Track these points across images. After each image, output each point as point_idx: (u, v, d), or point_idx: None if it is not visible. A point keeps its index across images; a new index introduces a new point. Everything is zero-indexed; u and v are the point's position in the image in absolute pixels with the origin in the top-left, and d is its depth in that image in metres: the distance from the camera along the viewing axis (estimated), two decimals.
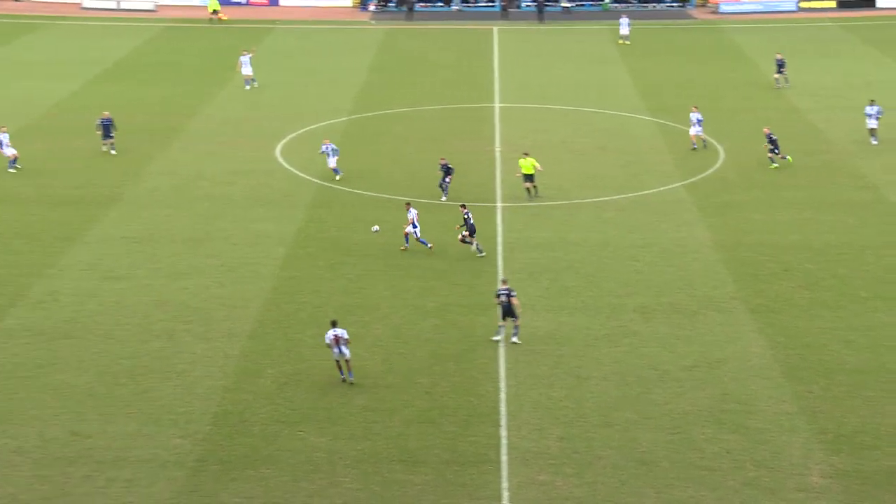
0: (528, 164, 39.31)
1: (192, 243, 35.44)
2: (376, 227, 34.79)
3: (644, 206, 39.16)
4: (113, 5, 79.55)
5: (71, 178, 41.35)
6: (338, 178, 41.34)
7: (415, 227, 34.46)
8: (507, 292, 28.54)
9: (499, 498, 22.50)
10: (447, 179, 39.49)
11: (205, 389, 26.33)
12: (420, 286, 32.54)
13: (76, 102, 52.87)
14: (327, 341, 26.34)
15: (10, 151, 41.57)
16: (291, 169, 43.35)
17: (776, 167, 42.88)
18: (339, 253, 34.83)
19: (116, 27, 73.57)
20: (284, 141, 47.04)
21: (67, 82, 56.64)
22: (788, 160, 43.13)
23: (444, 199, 39.40)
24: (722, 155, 44.70)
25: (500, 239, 36.11)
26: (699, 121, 45.21)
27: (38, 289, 31.56)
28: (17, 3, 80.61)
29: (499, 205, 39.38)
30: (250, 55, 56.41)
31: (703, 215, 38.14)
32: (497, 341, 28.71)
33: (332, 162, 41.47)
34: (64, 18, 75.43)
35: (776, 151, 43.06)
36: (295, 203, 39.42)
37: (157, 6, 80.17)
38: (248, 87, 55.47)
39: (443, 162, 39.98)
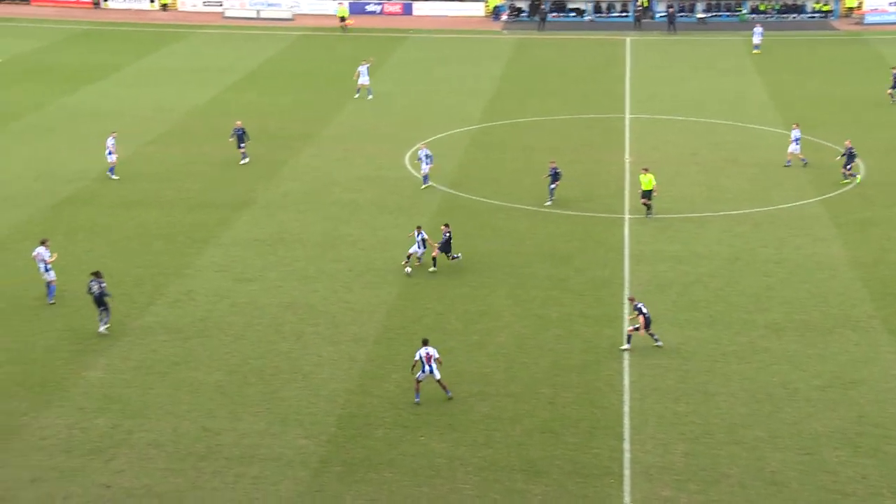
0: (647, 181, 38.29)
1: (321, 247, 36.17)
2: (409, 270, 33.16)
3: (777, 221, 38.21)
4: (252, 14, 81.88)
5: (207, 182, 42.69)
6: (424, 187, 41.14)
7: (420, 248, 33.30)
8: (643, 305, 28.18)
9: None
10: (553, 185, 39.50)
11: (330, 392, 26.82)
12: (543, 296, 32.46)
13: (214, 108, 54.56)
14: (417, 359, 25.89)
15: (112, 158, 42.48)
16: (419, 176, 43.81)
17: (846, 182, 41.30)
18: (464, 260, 35.02)
19: (255, 35, 75.68)
20: (413, 148, 47.58)
21: (207, 89, 58.50)
22: (857, 179, 41.58)
23: (549, 203, 39.29)
24: (862, 170, 43.27)
25: (626, 251, 35.74)
26: (797, 139, 43.93)
27: (174, 288, 32.68)
28: (165, 13, 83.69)
29: (626, 216, 38.98)
30: (368, 64, 57.20)
31: (840, 232, 37.00)
32: (624, 350, 28.48)
33: (425, 168, 41.44)
34: (207, 27, 77.98)
35: (849, 167, 41.55)
36: (421, 210, 39.82)
37: (294, 15, 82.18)
38: (369, 97, 56.13)
39: (552, 166, 39.88)
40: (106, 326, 29.46)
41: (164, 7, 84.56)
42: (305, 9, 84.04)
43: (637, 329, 28.50)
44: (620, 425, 25.27)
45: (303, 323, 30.53)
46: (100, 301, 29.37)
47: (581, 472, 23.51)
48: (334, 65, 66.03)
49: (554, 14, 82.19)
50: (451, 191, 41.98)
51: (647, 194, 38.40)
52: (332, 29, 78.08)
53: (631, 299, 29.10)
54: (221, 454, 24.07)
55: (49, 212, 39.15)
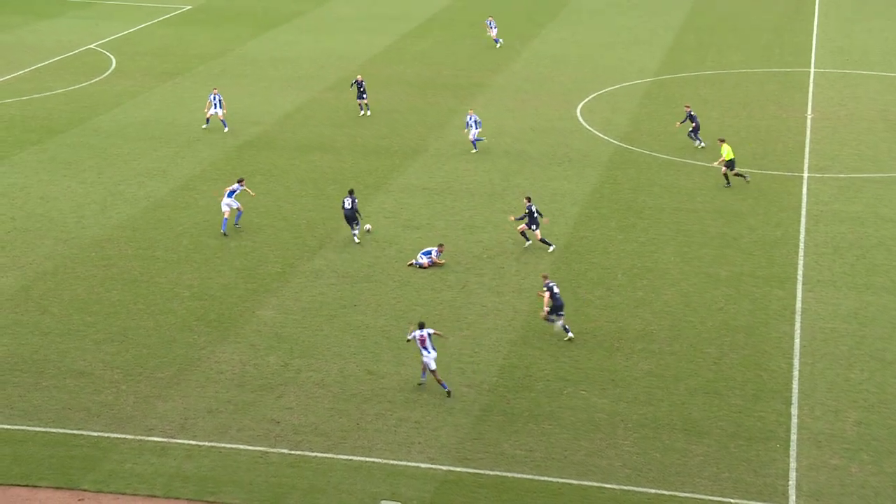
0: (729, 150, 35.74)
1: (488, 197, 36.15)
2: (368, 227, 32.93)
3: None
4: None
5: (379, 129, 43.23)
6: (474, 151, 39.79)
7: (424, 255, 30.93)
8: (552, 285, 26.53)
9: (786, 477, 21.59)
10: (693, 131, 39.72)
11: (493, 342, 26.91)
12: (713, 254, 31.57)
13: (389, 56, 55.08)
14: (410, 337, 24.71)
15: (220, 112, 42.42)
16: (591, 129, 43.13)
17: None
18: (632, 215, 34.39)
19: None
20: (586, 100, 46.82)
21: (382, 37, 59.07)
22: None
23: (702, 145, 39.44)
24: None
25: (804, 210, 34.32)
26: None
27: (344, 233, 33.33)
28: None
29: (805, 175, 37.38)
30: (492, 19, 56.45)
31: None
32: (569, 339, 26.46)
33: (472, 134, 40.08)
34: None
35: None
36: (591, 163, 39.25)
37: None
38: (498, 45, 55.60)
39: (687, 109, 40.16)
40: (356, 235, 31.42)
41: None
42: None
43: (549, 312, 26.38)
44: (788, 390, 24.42)
45: (468, 272, 30.67)
46: (351, 217, 31.22)
47: (744, 435, 22.88)
48: (510, 14, 65.52)
49: None
50: (623, 144, 41.19)
51: (730, 164, 35.76)
52: None
53: (544, 277, 27.31)
54: (385, 397, 24.54)
55: (232, 153, 40.50)
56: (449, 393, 24.40)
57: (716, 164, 36.48)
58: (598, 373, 25.44)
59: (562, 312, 26.60)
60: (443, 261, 30.77)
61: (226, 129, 42.69)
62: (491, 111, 45.60)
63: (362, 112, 44.92)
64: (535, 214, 31.44)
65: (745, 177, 36.38)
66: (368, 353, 26.40)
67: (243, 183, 33.52)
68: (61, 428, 23.17)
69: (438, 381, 24.50)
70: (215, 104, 42.63)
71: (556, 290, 26.67)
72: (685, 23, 61.95)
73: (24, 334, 27.07)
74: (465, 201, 35.86)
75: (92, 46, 56.55)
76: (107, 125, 43.63)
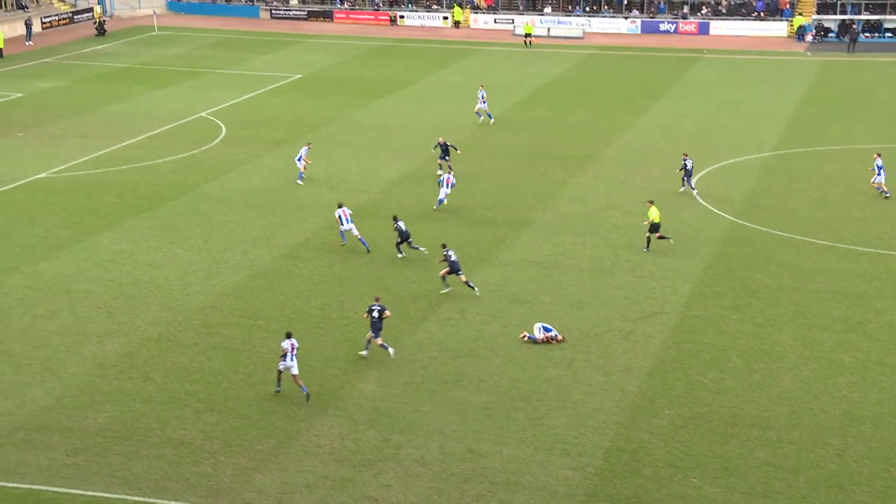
0: (656, 213, 36.81)
1: (597, 273, 35.93)
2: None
3: None
4: (542, 32, 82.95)
5: (485, 200, 43.49)
6: (436, 208, 41.63)
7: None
8: (379, 308, 29.44)
9: None
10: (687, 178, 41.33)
11: (599, 423, 26.51)
12: (835, 338, 30.70)
13: (500, 124, 55.58)
14: (284, 348, 27.38)
15: (301, 164, 45.26)
16: (704, 203, 42.67)
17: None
18: (747, 294, 33.73)
19: (545, 53, 76.62)
20: (700, 174, 46.40)
21: (493, 105, 59.68)
22: None
23: (695, 192, 41.16)
24: None
25: None
26: (880, 168, 42.30)
27: (448, 306, 33.44)
28: (457, 30, 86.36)
29: None
30: (483, 91, 55.75)
31: None
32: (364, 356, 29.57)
33: (443, 192, 41.55)
34: (497, 45, 79.72)
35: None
36: (705, 238, 38.74)
37: (585, 33, 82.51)
38: (482, 119, 55.04)
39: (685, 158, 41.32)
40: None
41: (457, 24, 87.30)
42: (596, 27, 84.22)
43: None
44: None
45: (574, 349, 30.40)
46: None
47: None
48: (624, 84, 65.70)
49: (867, 35, 77.88)
50: (739, 220, 40.61)
51: (655, 227, 36.83)
52: (622, 48, 77.79)
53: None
54: (486, 478, 24.31)
55: (336, 222, 41.15)
56: (308, 397, 27.35)
57: (645, 223, 37.51)
58: (711, 460, 24.80)
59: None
60: (562, 337, 30.49)
61: (299, 181, 44.92)
62: (601, 183, 45.51)
63: (440, 172, 45.55)
64: (455, 260, 33.57)
65: (668, 238, 37.35)
66: (469, 431, 26.26)
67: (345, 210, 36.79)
68: (160, 498, 23.55)
69: (286, 378, 27.87)
70: (299, 157, 45.06)
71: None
72: (806, 95, 61.17)
73: (127, 401, 27.72)
74: (572, 276, 35.70)
75: (203, 115, 58.54)
76: (215, 192, 44.90)
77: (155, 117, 57.84)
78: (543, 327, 30.84)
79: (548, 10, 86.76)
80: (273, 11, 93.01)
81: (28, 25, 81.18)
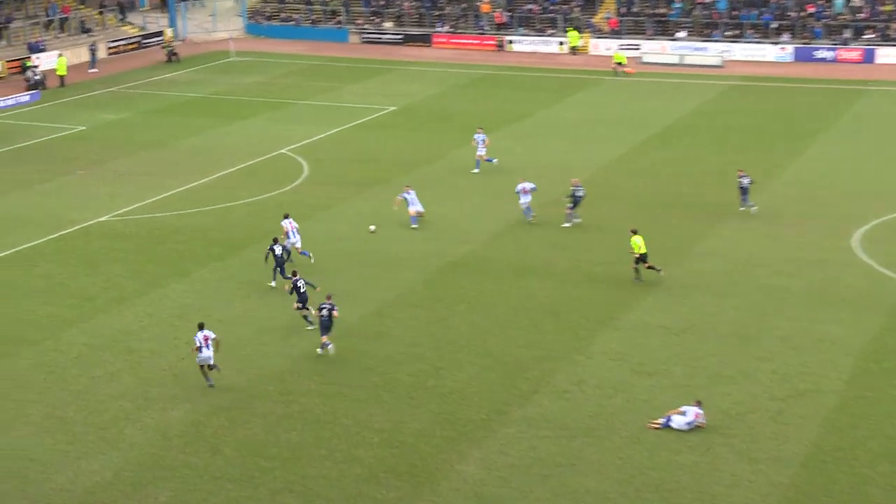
0: (641, 244, 39.67)
1: (740, 341, 35.22)
2: (373, 227, 39.86)
3: None
4: (674, 60, 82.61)
5: (606, 254, 43.11)
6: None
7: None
8: (329, 307, 34.04)
9: None
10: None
11: None
12: None
13: (621, 167, 55.28)
14: (196, 344, 31.64)
15: (414, 208, 46.16)
16: (871, 263, 41.63)
17: None
18: None
19: (677, 85, 76.25)
20: (866, 228, 45.36)
21: (614, 145, 59.49)
22: None
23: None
24: None
25: None
26: None
27: (563, 376, 33.10)
28: (574, 57, 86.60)
29: None
30: (483, 135, 55.02)
31: None
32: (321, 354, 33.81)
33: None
34: (621, 74, 79.61)
35: None
36: (872, 304, 37.74)
37: (725, 62, 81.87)
38: (475, 171, 54.53)
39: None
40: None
41: (574, 51, 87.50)
42: (738, 55, 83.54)
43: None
44: None
45: (713, 432, 29.72)
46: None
47: None
48: (769, 121, 64.89)
49: None
50: None
51: (642, 258, 39.74)
52: (769, 78, 76.99)
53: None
54: None
55: (433, 276, 41.28)
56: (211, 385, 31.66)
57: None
58: None
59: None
60: (703, 422, 29.93)
61: (414, 225, 45.84)
62: (744, 236, 44.80)
63: (566, 223, 46.09)
64: (304, 290, 36.11)
65: (657, 269, 39.98)
66: None
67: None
68: None
69: (208, 372, 32.02)
70: (409, 199, 45.80)
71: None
72: None
73: (193, 478, 27.92)
74: (710, 344, 35.05)
75: (284, 151, 59.52)
76: (308, 234, 45.36)
77: (229, 154, 58.99)
78: (687, 422, 29.78)
79: (681, 34, 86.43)
80: (364, 35, 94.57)
81: (93, 51, 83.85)
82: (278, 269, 39.62)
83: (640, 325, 36.64)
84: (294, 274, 36.51)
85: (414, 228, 45.83)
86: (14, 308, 38.49)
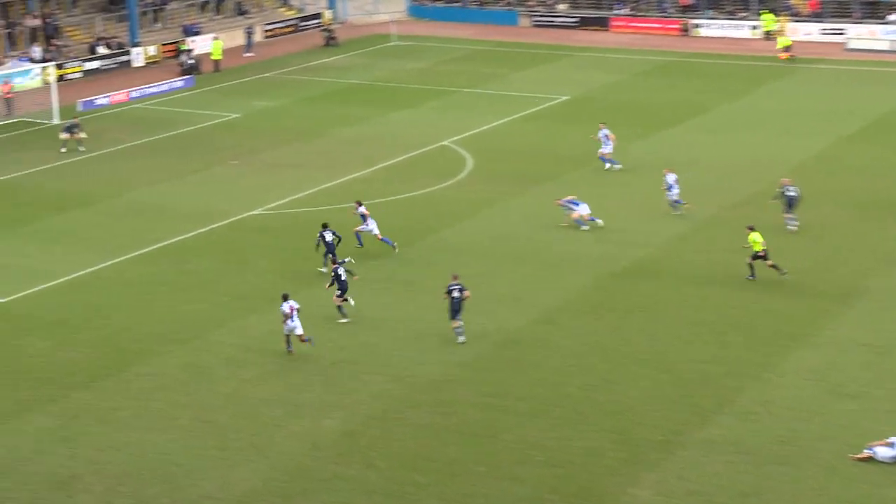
0: (757, 240, 40.02)
1: None
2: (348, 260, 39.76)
3: None
4: (885, 47, 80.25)
5: (802, 261, 42.07)
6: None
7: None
8: (459, 287, 35.44)
9: None
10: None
11: None
12: None
13: (821, 165, 54.01)
14: (284, 311, 34.56)
15: (579, 212, 45.85)
16: None
17: None
18: None
19: (885, 73, 74.10)
20: None
21: (811, 140, 58.13)
22: None
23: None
24: None
25: None
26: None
27: (750, 396, 32.45)
28: (768, 42, 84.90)
29: None
30: (606, 130, 54.20)
31: None
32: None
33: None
34: (822, 61, 77.85)
35: None
36: None
37: None
38: (608, 166, 54.38)
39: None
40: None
41: (768, 36, 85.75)
42: None
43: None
44: None
45: None
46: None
47: None
48: None
49: None
50: None
51: (761, 255, 40.05)
52: None
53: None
54: None
55: (605, 281, 40.99)
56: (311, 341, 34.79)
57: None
58: None
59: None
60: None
61: (585, 227, 45.59)
62: None
63: (791, 226, 45.00)
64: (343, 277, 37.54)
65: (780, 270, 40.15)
66: None
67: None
68: None
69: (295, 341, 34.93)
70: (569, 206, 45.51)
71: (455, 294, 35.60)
72: None
73: (345, 492, 28.27)
74: None
75: (446, 143, 59.93)
76: (456, 238, 45.66)
77: (388, 145, 59.68)
78: (894, 455, 28.90)
79: (893, 17, 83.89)
80: (535, 18, 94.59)
81: (249, 34, 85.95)
82: (330, 255, 41.11)
83: (840, 342, 35.69)
84: (338, 262, 38.49)
85: (584, 230, 45.62)
86: (163, 305, 39.64)
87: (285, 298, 34.91)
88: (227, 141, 61.57)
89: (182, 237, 45.61)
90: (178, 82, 74.60)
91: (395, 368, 34.56)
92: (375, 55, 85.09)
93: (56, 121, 63.79)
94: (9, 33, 76.95)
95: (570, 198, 46.37)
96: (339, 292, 37.35)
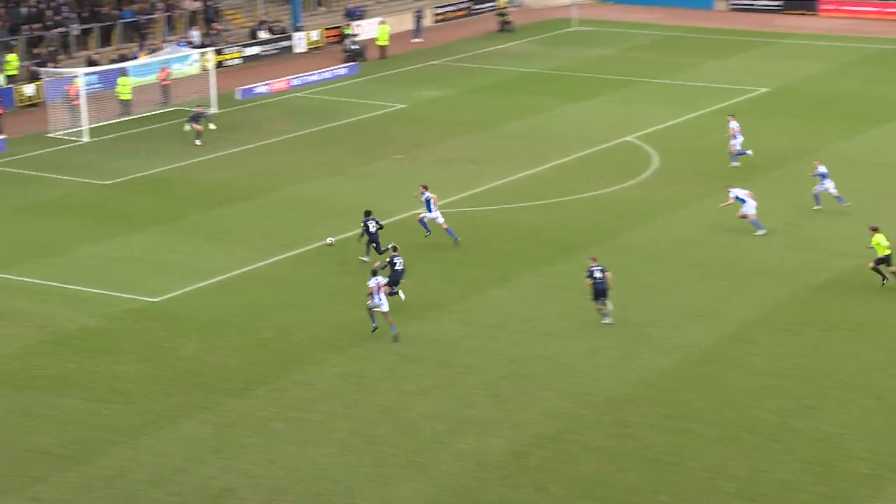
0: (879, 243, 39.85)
1: None
2: (330, 240, 42.89)
3: None
4: None
5: None
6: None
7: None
8: (601, 269, 37.31)
9: None
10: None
11: None
12: None
13: None
14: (370, 287, 36.54)
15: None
16: None
17: None
18: None
19: None
20: None
21: None
22: None
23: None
24: None
25: None
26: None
27: None
28: None
29: None
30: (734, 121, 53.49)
31: None
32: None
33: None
34: None
35: None
36: None
37: None
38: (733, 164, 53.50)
39: None
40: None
41: None
42: None
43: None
44: None
45: None
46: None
47: None
48: None
49: None
50: None
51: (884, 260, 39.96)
52: None
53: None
54: None
55: (806, 294, 40.25)
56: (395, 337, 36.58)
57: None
58: None
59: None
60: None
61: (760, 233, 45.33)
62: None
63: None
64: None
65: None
66: None
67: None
68: None
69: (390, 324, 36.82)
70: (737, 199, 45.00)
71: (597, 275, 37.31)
72: None
73: None
74: None
75: (629, 138, 59.57)
76: (639, 243, 45.30)
77: (566, 140, 59.60)
78: None
79: None
80: (733, 2, 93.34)
81: (418, 18, 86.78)
82: (373, 244, 42.95)
83: None
84: (395, 249, 39.86)
85: (762, 234, 44.93)
86: (321, 308, 40.18)
87: (374, 273, 37.04)
88: (391, 133, 62.24)
89: (342, 236, 46.21)
90: (341, 69, 75.74)
91: (568, 384, 34.44)
92: (553, 41, 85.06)
93: (214, 110, 65.29)
94: (168, 17, 79.10)
95: (741, 191, 45.61)
96: (389, 284, 38.33)
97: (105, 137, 61.19)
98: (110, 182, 54.00)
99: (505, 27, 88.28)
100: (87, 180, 54.25)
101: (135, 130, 62.40)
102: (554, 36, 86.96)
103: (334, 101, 69.05)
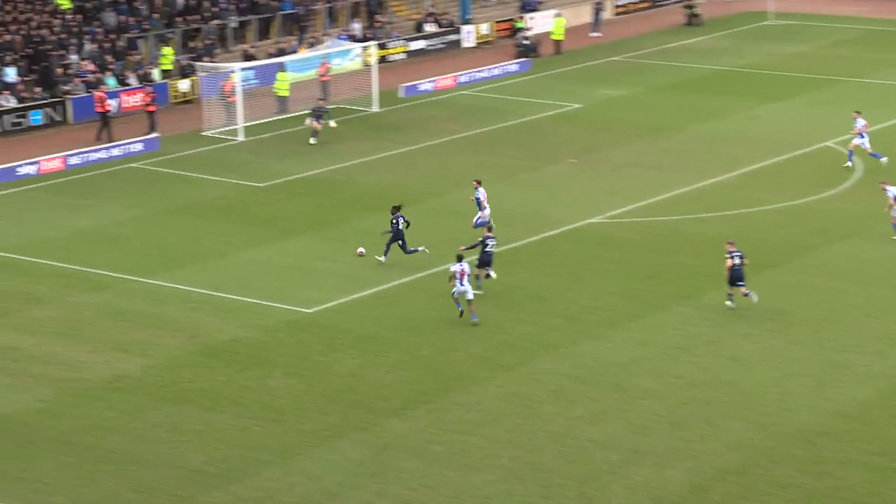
0: None
1: None
2: (361, 250, 44.74)
3: None
4: None
5: None
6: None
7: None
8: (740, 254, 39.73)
9: None
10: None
11: None
12: None
13: None
14: (454, 272, 39.02)
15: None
16: None
17: None
18: None
19: None
20: None
21: None
22: None
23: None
24: None
25: None
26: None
27: None
28: None
29: None
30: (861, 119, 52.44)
31: None
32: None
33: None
34: None
35: None
36: None
37: None
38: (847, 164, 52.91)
39: None
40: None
41: None
42: None
43: None
44: None
45: None
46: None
47: None
48: None
49: None
50: None
51: None
52: None
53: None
54: None
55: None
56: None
57: None
58: None
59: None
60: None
61: None
62: None
63: None
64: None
65: None
66: None
67: None
68: None
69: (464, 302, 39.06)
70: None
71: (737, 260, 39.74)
72: None
73: None
74: None
75: (829, 143, 58.63)
76: (838, 261, 44.74)
77: (758, 144, 58.96)
78: None
79: None
80: None
81: (598, 10, 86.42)
82: (399, 242, 44.26)
83: None
84: (489, 229, 43.08)
85: None
86: (484, 323, 40.25)
87: (459, 259, 39.35)
88: (565, 135, 62.19)
89: (511, 245, 46.34)
90: (512, 66, 75.90)
91: (756, 414, 34.09)
92: (746, 36, 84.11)
93: (376, 108, 66.04)
94: (329, 8, 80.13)
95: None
96: (479, 265, 41.39)
97: (261, 136, 62.18)
98: (266, 184, 54.92)
99: (693, 20, 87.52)
100: (241, 181, 55.23)
101: (292, 129, 63.30)
102: (747, 30, 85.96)
103: (504, 100, 69.24)
